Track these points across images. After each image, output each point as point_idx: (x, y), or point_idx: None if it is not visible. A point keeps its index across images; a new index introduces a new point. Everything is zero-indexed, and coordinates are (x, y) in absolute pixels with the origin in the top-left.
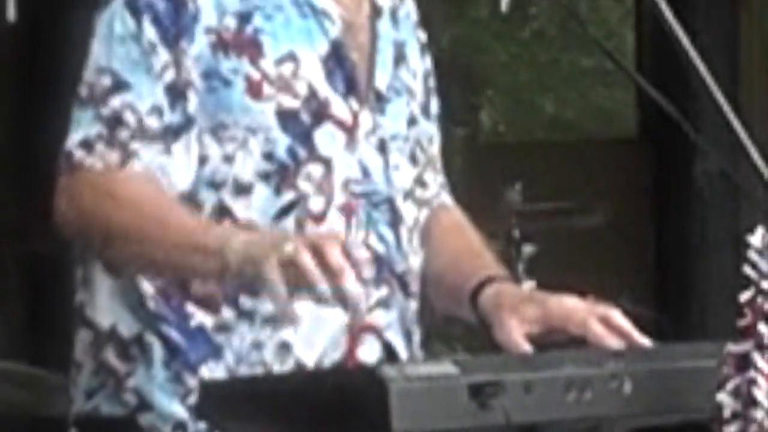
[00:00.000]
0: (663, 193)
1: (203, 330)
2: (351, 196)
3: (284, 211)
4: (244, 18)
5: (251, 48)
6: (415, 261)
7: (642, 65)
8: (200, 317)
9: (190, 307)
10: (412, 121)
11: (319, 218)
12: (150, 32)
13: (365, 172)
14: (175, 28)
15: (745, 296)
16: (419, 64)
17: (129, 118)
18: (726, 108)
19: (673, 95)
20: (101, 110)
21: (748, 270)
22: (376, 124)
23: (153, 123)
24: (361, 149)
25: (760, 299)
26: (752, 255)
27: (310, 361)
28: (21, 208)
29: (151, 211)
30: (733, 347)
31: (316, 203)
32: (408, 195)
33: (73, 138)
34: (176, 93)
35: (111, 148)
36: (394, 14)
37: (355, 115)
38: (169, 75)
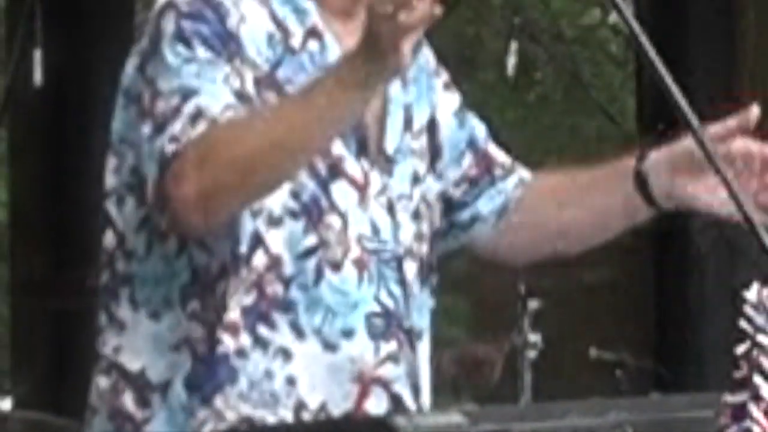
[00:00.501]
0: (662, 250)
1: (226, 355)
2: (364, 251)
3: (308, 252)
4: (274, 65)
5: (281, 93)
6: (418, 318)
7: (643, 128)
8: (227, 342)
9: (221, 332)
10: (416, 180)
11: (336, 267)
12: (204, 53)
13: (375, 230)
14: (227, 52)
15: (741, 349)
16: (446, 103)
17: (206, 114)
18: (722, 166)
19: None
20: (175, 119)
21: (743, 324)
22: (385, 185)
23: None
24: (371, 208)
25: (755, 352)
26: (748, 309)
27: (312, 403)
28: (47, 265)
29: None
30: (729, 398)
31: (334, 252)
32: (408, 252)
33: (160, 144)
34: (244, 98)
35: (202, 125)
36: (404, 77)
37: (366, 175)
38: (235, 83)
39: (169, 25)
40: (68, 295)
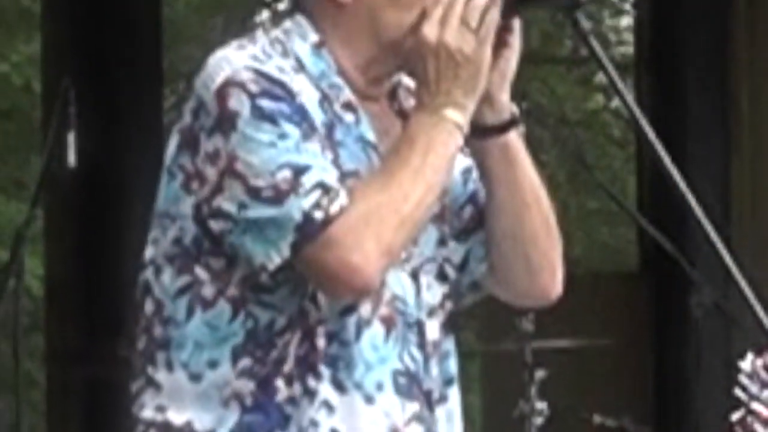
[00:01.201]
0: (662, 322)
1: (280, 402)
2: (392, 310)
3: (348, 310)
4: (329, 128)
5: (334, 153)
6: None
7: (643, 206)
8: (282, 391)
9: (279, 382)
10: (441, 242)
11: (367, 323)
12: (293, 130)
13: (401, 295)
14: (307, 125)
15: (736, 416)
16: (457, 163)
17: (330, 185)
18: (719, 245)
19: (671, 233)
20: (299, 191)
21: (738, 392)
22: (410, 254)
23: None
24: (398, 273)
25: (749, 419)
26: (742, 378)
27: None
28: (80, 335)
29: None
30: None
31: (365, 309)
32: (433, 312)
33: (297, 213)
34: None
35: (334, 195)
36: None
37: None
38: (327, 154)
39: (241, 105)
40: (101, 364)
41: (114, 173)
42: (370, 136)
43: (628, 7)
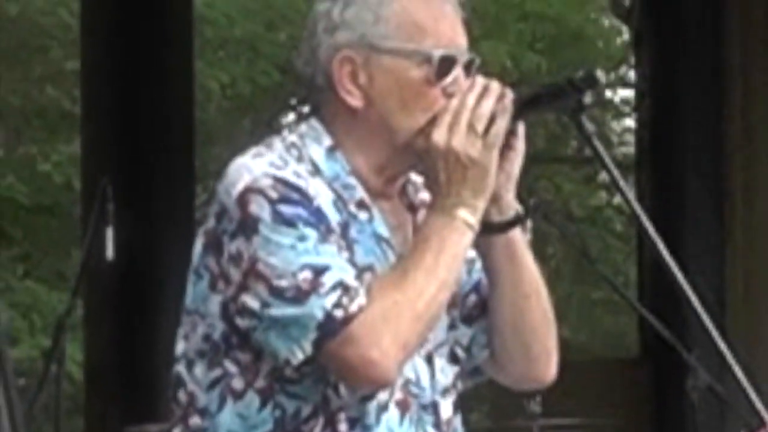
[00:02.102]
0: (661, 404)
1: None
2: (407, 394)
3: (368, 397)
4: (344, 227)
5: (350, 251)
6: None
7: (643, 296)
8: None
9: (342, 426)
10: (452, 326)
11: (384, 408)
12: (311, 232)
13: (416, 378)
14: (324, 227)
15: None
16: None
17: (349, 283)
18: (714, 332)
19: (670, 322)
20: (320, 291)
21: None
22: (425, 340)
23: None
24: (413, 358)
25: None
26: None
27: None
28: (118, 418)
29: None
30: None
31: (383, 395)
32: (446, 391)
33: (319, 312)
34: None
35: (354, 294)
36: None
37: None
38: (343, 254)
39: (262, 210)
40: None
41: (149, 266)
42: (383, 231)
43: (629, 110)
